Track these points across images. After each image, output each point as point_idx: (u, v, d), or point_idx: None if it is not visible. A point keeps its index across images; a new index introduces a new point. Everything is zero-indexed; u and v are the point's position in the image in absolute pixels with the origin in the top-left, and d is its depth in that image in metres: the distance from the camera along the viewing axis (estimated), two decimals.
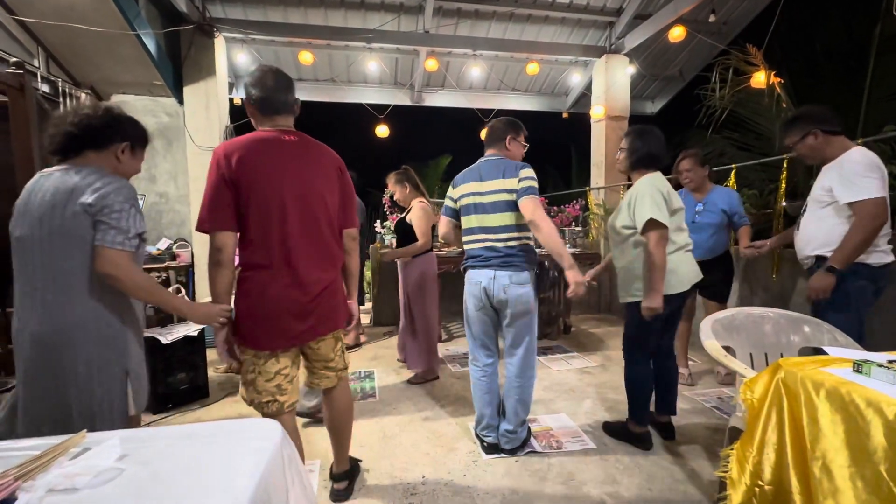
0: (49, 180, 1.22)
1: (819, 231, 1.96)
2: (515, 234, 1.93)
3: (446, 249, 4.03)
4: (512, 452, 2.08)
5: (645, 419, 2.11)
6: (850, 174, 1.82)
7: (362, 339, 3.98)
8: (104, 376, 1.22)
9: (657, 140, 2.03)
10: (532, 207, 1.83)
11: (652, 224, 1.85)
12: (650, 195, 1.89)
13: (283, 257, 1.38)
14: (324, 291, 1.46)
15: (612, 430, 2.24)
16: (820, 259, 1.96)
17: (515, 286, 1.91)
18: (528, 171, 1.91)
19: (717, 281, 2.73)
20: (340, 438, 1.73)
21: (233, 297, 1.43)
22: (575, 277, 1.80)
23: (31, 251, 1.20)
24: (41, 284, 1.19)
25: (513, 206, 1.89)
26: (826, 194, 1.91)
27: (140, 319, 1.39)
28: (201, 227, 1.34)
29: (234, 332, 1.43)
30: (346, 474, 1.78)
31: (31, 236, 1.19)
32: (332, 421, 1.70)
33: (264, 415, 1.45)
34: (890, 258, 1.88)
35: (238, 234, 1.39)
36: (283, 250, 1.38)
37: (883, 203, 1.78)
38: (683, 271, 1.99)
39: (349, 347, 3.66)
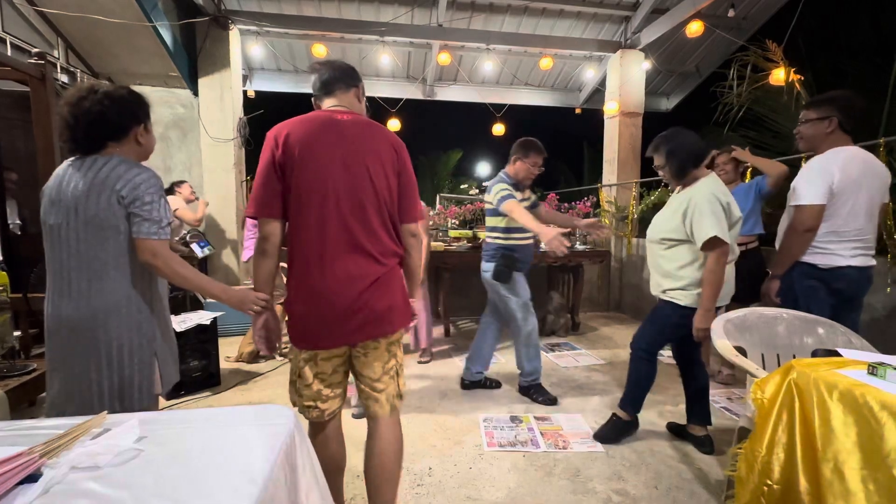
0: (78, 170, 1.25)
1: (783, 229, 2.04)
2: (491, 234, 2.61)
3: (456, 245, 4.03)
4: (527, 392, 2.65)
5: (637, 407, 2.15)
6: (799, 178, 1.91)
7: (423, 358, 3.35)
8: (135, 359, 1.27)
9: (689, 136, 1.92)
10: (509, 209, 2.39)
11: (716, 242, 1.78)
12: (710, 208, 1.78)
13: (321, 247, 1.24)
14: (373, 286, 1.27)
15: (605, 435, 2.16)
16: None
17: (483, 271, 2.62)
18: (497, 186, 2.48)
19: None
20: (381, 494, 1.36)
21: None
22: (548, 235, 2.12)
23: (65, 239, 1.23)
24: (75, 272, 1.23)
25: (491, 213, 2.57)
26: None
27: (167, 307, 1.42)
28: (248, 212, 1.28)
29: (286, 327, 1.35)
30: None
31: (65, 225, 1.23)
32: (371, 469, 1.37)
33: (307, 418, 1.35)
34: (844, 262, 1.87)
35: (287, 222, 1.29)
36: (322, 239, 1.24)
37: (809, 211, 1.85)
38: (726, 287, 1.91)
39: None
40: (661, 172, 2.01)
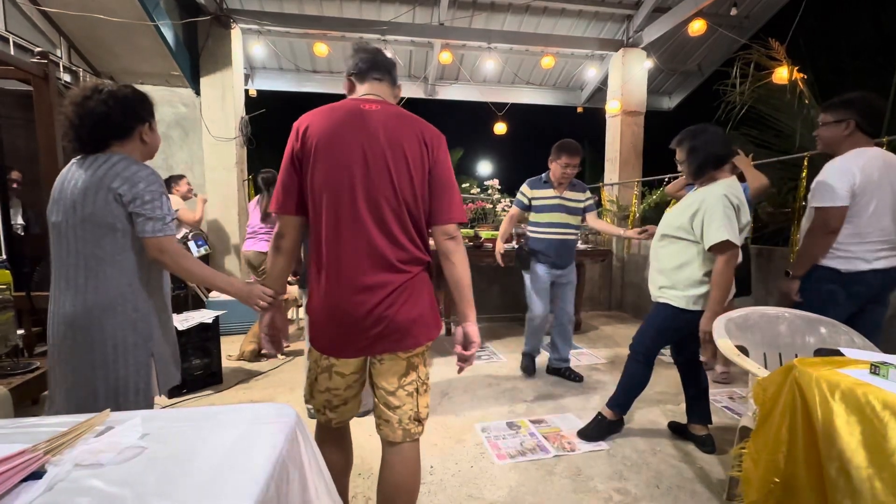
0: (80, 168, 1.26)
1: (804, 231, 2.02)
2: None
3: None
4: (557, 372, 3.02)
5: (625, 409, 2.17)
6: (820, 179, 1.86)
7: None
8: (130, 358, 1.27)
9: (715, 136, 1.88)
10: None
11: (727, 245, 1.77)
12: (723, 211, 1.76)
13: (336, 251, 1.15)
14: (392, 296, 1.15)
15: (590, 433, 2.17)
16: None
17: None
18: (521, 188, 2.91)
19: None
20: None
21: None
22: (496, 251, 2.94)
23: (64, 237, 1.24)
24: (73, 269, 1.23)
25: None
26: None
27: (168, 306, 1.42)
28: (271, 207, 1.24)
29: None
30: None
31: (65, 222, 1.24)
32: (385, 495, 1.26)
33: (317, 419, 1.34)
34: (866, 266, 1.84)
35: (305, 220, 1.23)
36: (337, 243, 1.15)
37: (833, 213, 1.81)
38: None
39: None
40: (680, 167, 1.99)
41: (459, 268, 1.23)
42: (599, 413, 2.20)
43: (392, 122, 1.17)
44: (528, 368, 3.04)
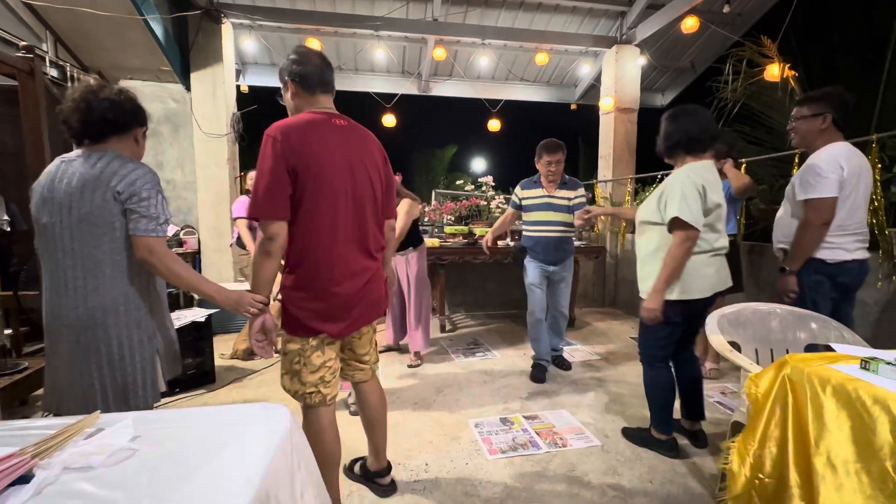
0: (71, 166, 1.23)
1: (783, 224, 2.05)
2: None
3: (452, 241, 4.03)
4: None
5: (667, 425, 2.01)
6: (809, 171, 1.89)
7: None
8: (136, 355, 1.27)
9: (697, 120, 1.85)
10: None
11: (677, 223, 1.73)
12: (681, 190, 1.74)
13: (332, 248, 1.35)
14: (371, 280, 1.46)
15: (634, 435, 2.13)
16: (785, 252, 2.05)
17: None
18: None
19: None
20: (379, 432, 1.71)
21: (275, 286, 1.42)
22: (483, 240, 3.20)
23: (59, 237, 1.21)
24: (71, 270, 1.21)
25: None
26: (792, 189, 1.98)
27: (166, 304, 1.42)
28: (256, 214, 1.24)
29: (282, 322, 1.38)
30: (389, 469, 1.76)
31: (59, 223, 1.21)
32: (369, 415, 1.68)
33: (307, 405, 1.43)
34: (849, 256, 1.90)
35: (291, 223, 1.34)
36: (333, 241, 1.35)
37: (826, 204, 1.84)
38: (707, 275, 1.82)
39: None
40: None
41: (390, 252, 1.69)
42: (651, 427, 2.07)
43: (361, 137, 1.46)
44: (537, 378, 2.86)
